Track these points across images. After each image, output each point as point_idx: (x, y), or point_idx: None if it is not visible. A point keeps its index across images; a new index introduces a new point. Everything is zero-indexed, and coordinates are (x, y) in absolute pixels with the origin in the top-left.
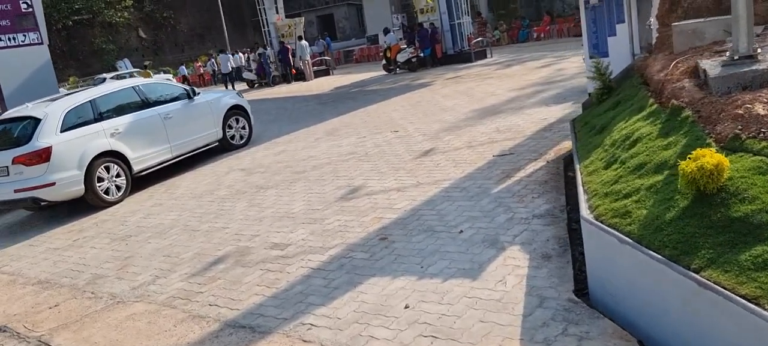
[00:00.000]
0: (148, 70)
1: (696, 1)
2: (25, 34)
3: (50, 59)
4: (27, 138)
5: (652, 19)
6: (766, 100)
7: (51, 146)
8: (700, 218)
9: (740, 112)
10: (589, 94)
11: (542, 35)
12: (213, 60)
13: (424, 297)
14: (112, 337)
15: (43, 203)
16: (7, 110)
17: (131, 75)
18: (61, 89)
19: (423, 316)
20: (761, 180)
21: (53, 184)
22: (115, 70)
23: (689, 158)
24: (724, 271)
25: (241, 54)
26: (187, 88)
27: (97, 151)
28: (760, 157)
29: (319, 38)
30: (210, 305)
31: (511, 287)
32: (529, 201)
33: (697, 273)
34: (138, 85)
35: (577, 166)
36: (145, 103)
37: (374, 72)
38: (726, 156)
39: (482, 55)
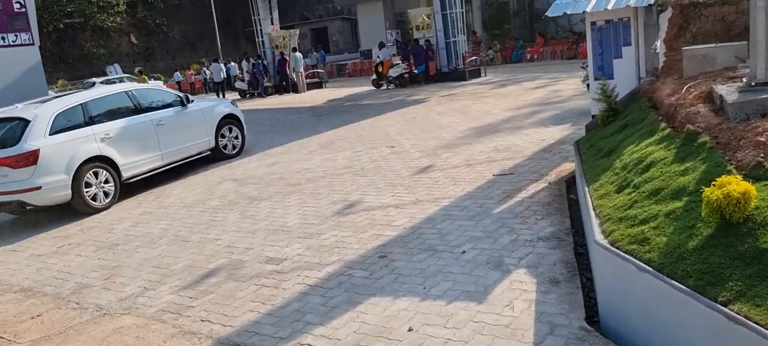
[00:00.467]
0: (143, 76)
1: (704, 27)
2: (17, 34)
3: (40, 61)
4: (14, 140)
5: (658, 43)
6: None
7: (39, 149)
8: (725, 248)
9: (762, 139)
10: (593, 116)
11: (536, 56)
12: (204, 69)
13: (428, 320)
14: None
15: (28, 208)
16: None
17: (121, 80)
18: (49, 92)
19: (428, 340)
20: None
21: (39, 188)
22: (105, 75)
23: (714, 185)
24: (755, 305)
25: (233, 63)
26: (181, 95)
27: (86, 156)
28: None
29: (313, 51)
30: (202, 320)
31: (519, 313)
32: (532, 223)
33: (725, 306)
34: (131, 91)
35: (586, 189)
36: (138, 109)
37: (367, 86)
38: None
39: (476, 73)
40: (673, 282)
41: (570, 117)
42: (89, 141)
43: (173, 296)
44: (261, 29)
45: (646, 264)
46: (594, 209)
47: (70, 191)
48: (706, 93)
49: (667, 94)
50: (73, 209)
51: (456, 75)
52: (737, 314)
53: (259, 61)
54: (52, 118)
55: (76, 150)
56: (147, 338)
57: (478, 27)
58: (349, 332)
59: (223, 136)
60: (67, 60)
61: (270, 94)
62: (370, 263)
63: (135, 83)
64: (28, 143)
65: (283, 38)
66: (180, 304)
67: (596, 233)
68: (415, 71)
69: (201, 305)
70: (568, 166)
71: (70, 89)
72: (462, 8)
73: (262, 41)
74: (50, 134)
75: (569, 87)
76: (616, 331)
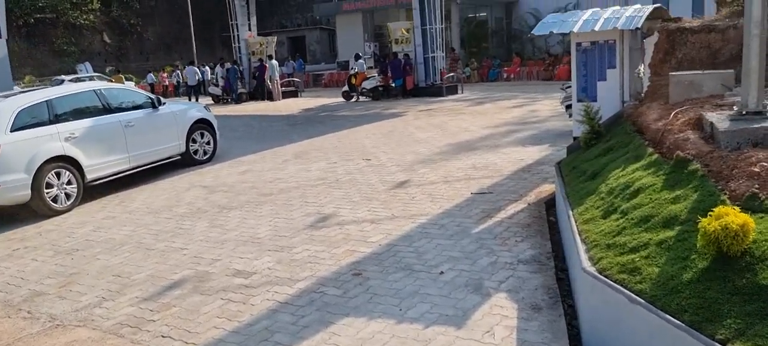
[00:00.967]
0: (120, 75)
1: (690, 53)
2: None
3: (7, 55)
4: None
5: (642, 67)
6: None
7: None
8: (722, 282)
9: (756, 170)
10: (575, 138)
11: (512, 76)
12: (178, 71)
13: (404, 344)
14: None
15: None
16: None
17: (91, 79)
18: (15, 87)
19: None
20: None
21: None
22: (75, 72)
23: (710, 216)
24: (756, 345)
25: (207, 68)
26: (152, 96)
27: (49, 155)
28: None
29: (290, 59)
30: (162, 336)
31: (500, 340)
32: (512, 245)
33: (724, 345)
34: (99, 89)
35: (570, 213)
36: (106, 109)
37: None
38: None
39: (453, 90)
40: (668, 316)
41: (548, 138)
42: (53, 140)
43: (133, 308)
44: (238, 35)
45: (637, 295)
46: (579, 234)
47: (29, 191)
48: (695, 120)
49: (654, 119)
50: (32, 211)
51: (433, 90)
52: None
53: (234, 67)
54: (14, 114)
55: (38, 148)
56: None
57: (456, 44)
58: None
59: (194, 141)
60: (37, 56)
61: (244, 101)
62: (344, 281)
63: (108, 82)
64: None
65: (260, 45)
66: (140, 317)
67: (583, 259)
68: (393, 85)
69: (162, 319)
70: (548, 188)
71: (37, 85)
72: (442, 24)
73: (239, 47)
74: (11, 131)
75: (546, 107)
76: None
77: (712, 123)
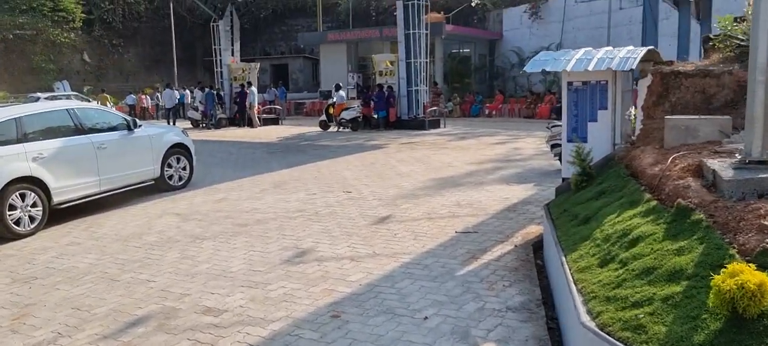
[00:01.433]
0: (105, 95)
1: (684, 97)
2: None
3: None
4: None
5: (632, 110)
6: None
7: None
8: None
9: (766, 222)
10: (564, 179)
11: (494, 112)
12: (158, 94)
13: None
14: None
15: None
16: None
17: (68, 97)
18: None
19: None
20: None
21: None
22: (52, 90)
23: (724, 272)
24: None
25: (187, 91)
26: (128, 118)
27: (14, 176)
28: None
29: (272, 87)
30: None
31: None
32: (500, 290)
33: None
34: (73, 109)
35: (563, 259)
36: (79, 129)
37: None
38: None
39: (436, 124)
40: None
41: (533, 176)
42: (19, 159)
43: None
44: (221, 59)
45: None
46: (575, 283)
47: None
48: (695, 166)
49: (649, 164)
50: None
51: (416, 124)
52: None
53: (212, 92)
54: None
55: (2, 168)
56: None
57: (439, 78)
58: None
59: (169, 165)
60: (14, 72)
61: (224, 126)
62: (322, 323)
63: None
64: None
65: (243, 70)
66: None
67: (581, 312)
68: (375, 116)
69: None
70: (535, 229)
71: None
72: (426, 58)
73: (221, 72)
74: None
75: (529, 145)
76: None
77: (714, 171)
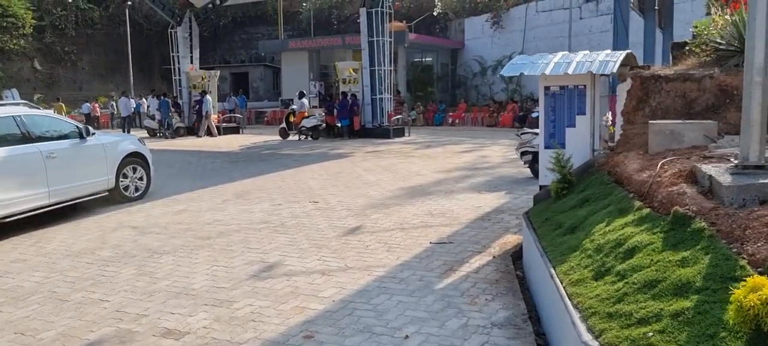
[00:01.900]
0: (61, 104)
1: (664, 102)
2: None
3: None
4: None
5: (609, 115)
6: None
7: None
8: None
9: None
10: (541, 186)
11: (457, 121)
12: (113, 102)
13: None
14: None
15: None
16: None
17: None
18: None
19: None
20: None
21: None
22: (0, 99)
23: (743, 286)
24: None
25: (144, 100)
26: (80, 125)
27: None
28: None
29: (232, 95)
30: None
31: None
32: (482, 304)
33: None
34: (19, 116)
35: (553, 271)
36: (26, 137)
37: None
38: None
39: (400, 132)
40: None
41: (503, 184)
42: None
43: None
44: (179, 67)
45: None
46: (569, 298)
47: None
48: (687, 172)
49: (636, 170)
50: None
51: (380, 132)
52: None
53: (166, 100)
54: None
55: None
56: None
57: (402, 87)
58: None
59: (125, 176)
60: None
61: (182, 136)
62: (294, 345)
63: (33, 109)
64: None
65: (202, 78)
66: None
67: (581, 331)
68: (338, 124)
69: None
70: (512, 239)
71: None
72: (390, 66)
73: (180, 80)
74: None
75: (496, 154)
76: None
77: (710, 176)
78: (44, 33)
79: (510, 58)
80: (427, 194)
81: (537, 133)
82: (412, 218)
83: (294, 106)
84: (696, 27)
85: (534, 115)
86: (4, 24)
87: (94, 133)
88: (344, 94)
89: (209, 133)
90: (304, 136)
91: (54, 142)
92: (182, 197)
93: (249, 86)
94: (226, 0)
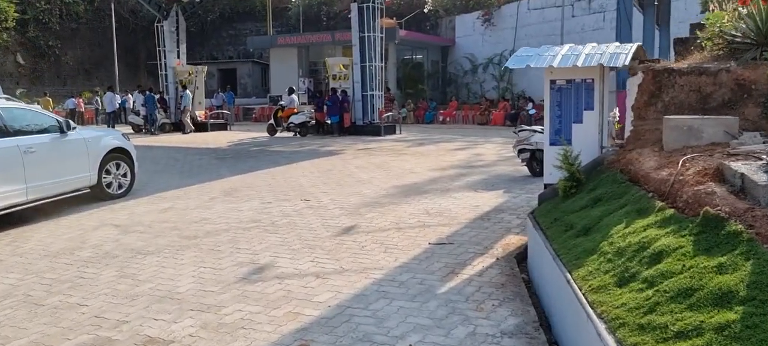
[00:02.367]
0: (48, 98)
1: (678, 97)
2: None
3: None
4: None
5: (616, 111)
6: None
7: None
8: None
9: None
10: (546, 185)
11: (448, 119)
12: (97, 98)
13: None
14: None
15: None
16: None
17: None
18: None
19: None
20: None
21: None
22: None
23: None
24: None
25: (130, 95)
26: (61, 119)
27: None
28: None
29: (219, 91)
30: None
31: None
32: (490, 310)
33: None
34: None
35: (569, 276)
36: (2, 131)
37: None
38: None
39: (391, 130)
40: None
41: (500, 183)
42: None
43: None
44: (165, 62)
45: None
46: (591, 307)
47: None
48: (714, 170)
49: (653, 168)
50: None
51: (371, 129)
52: None
53: (152, 94)
54: None
55: None
56: None
57: (392, 84)
58: None
59: (108, 172)
60: None
61: (168, 132)
62: None
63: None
64: None
65: (189, 73)
66: None
67: (609, 344)
68: (328, 121)
69: None
70: (514, 240)
71: None
72: (381, 62)
73: (166, 75)
74: None
75: (490, 152)
76: None
77: (742, 175)
78: (27, 27)
79: (501, 55)
80: (423, 193)
81: (535, 131)
82: (409, 218)
83: (283, 103)
84: (708, 19)
85: (531, 112)
86: None
87: (75, 128)
88: (334, 90)
89: (185, 129)
90: (293, 133)
91: (33, 136)
92: (168, 195)
93: (237, 83)
94: None
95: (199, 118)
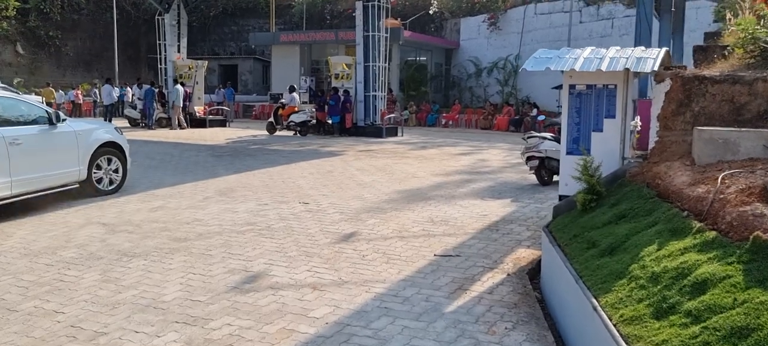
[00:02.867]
0: (50, 89)
1: (709, 107)
2: None
3: None
4: None
5: (637, 120)
6: None
7: None
8: None
9: None
10: (561, 196)
11: (451, 122)
12: (95, 89)
13: None
14: None
15: None
16: None
17: None
18: None
19: None
20: None
21: None
22: None
23: None
24: None
25: (128, 88)
26: (50, 110)
27: None
28: None
29: (220, 87)
30: None
31: None
32: (503, 334)
33: None
34: None
35: (595, 302)
36: None
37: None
38: None
39: (393, 132)
40: None
41: (508, 191)
42: None
43: None
44: (166, 56)
45: None
46: (625, 341)
47: None
48: (760, 189)
49: (687, 184)
50: None
51: (372, 130)
52: None
53: (151, 88)
54: None
55: None
56: None
57: (395, 85)
58: None
59: (99, 167)
60: None
61: (164, 126)
62: None
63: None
64: None
65: (189, 68)
66: None
67: None
68: (329, 121)
69: None
70: (525, 254)
71: None
72: (385, 63)
73: (165, 69)
74: None
75: (495, 157)
76: None
77: None
78: (28, 16)
79: (506, 60)
80: (427, 199)
81: (545, 138)
82: (412, 225)
83: (283, 101)
84: (739, 24)
85: (540, 117)
86: None
87: (65, 120)
88: (336, 89)
89: (170, 125)
90: (293, 132)
91: (19, 127)
92: (160, 193)
93: (238, 79)
94: None
95: (197, 114)
